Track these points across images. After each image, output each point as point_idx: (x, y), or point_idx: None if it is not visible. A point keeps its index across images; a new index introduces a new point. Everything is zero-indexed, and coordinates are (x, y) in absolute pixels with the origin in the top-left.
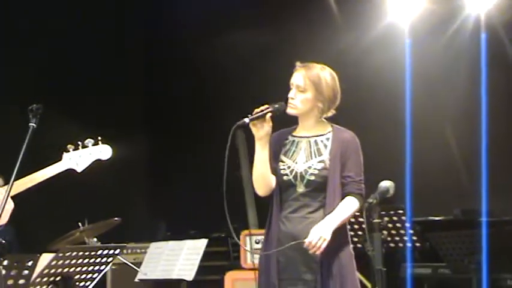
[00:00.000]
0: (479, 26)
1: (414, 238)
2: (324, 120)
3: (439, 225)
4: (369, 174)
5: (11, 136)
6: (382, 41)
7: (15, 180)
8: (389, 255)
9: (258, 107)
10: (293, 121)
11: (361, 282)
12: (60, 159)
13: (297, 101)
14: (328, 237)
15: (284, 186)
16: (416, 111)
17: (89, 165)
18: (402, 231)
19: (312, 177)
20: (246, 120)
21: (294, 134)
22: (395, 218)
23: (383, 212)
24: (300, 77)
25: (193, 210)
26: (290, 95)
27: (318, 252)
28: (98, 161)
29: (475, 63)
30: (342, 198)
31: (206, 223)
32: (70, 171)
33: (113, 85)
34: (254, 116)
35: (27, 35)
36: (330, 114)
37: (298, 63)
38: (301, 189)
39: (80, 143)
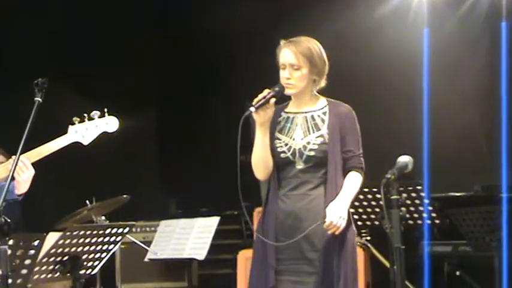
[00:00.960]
0: (499, 2)
1: (433, 215)
2: (317, 94)
3: (458, 202)
4: (387, 149)
5: (16, 111)
6: (398, 17)
7: (21, 154)
8: (408, 233)
9: (259, 93)
10: (284, 98)
11: (379, 260)
12: (66, 132)
13: (294, 80)
14: (345, 216)
15: (282, 164)
16: (435, 84)
17: (96, 138)
18: (421, 208)
19: (312, 153)
20: (252, 109)
21: (286, 110)
22: (413, 194)
23: (401, 188)
24: (290, 54)
25: (205, 187)
26: (285, 75)
27: (337, 232)
28: (105, 133)
29: (495, 36)
30: (343, 173)
31: (218, 200)
32: (76, 144)
33: (123, 59)
34: (259, 103)
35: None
36: (323, 83)
37: (282, 41)
38: (300, 165)
39: (85, 115)
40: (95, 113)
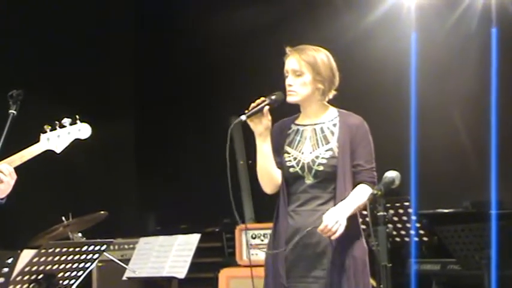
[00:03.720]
0: (489, 8)
1: (421, 232)
2: (327, 104)
3: (447, 218)
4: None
5: None
6: (386, 23)
7: None
8: (395, 251)
9: (254, 101)
10: (295, 110)
11: None
12: (38, 141)
13: (296, 87)
14: (344, 222)
15: (291, 179)
16: (423, 97)
17: (68, 145)
18: (408, 225)
19: (321, 168)
20: (243, 117)
21: (296, 122)
22: (401, 211)
23: (388, 204)
24: (294, 61)
25: (185, 203)
26: (288, 82)
27: (333, 237)
28: (77, 140)
29: (484, 46)
30: (353, 188)
31: (198, 217)
32: (49, 153)
33: (101, 71)
34: (251, 111)
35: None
36: (331, 95)
37: (288, 48)
38: (309, 180)
39: (57, 122)
40: (66, 120)
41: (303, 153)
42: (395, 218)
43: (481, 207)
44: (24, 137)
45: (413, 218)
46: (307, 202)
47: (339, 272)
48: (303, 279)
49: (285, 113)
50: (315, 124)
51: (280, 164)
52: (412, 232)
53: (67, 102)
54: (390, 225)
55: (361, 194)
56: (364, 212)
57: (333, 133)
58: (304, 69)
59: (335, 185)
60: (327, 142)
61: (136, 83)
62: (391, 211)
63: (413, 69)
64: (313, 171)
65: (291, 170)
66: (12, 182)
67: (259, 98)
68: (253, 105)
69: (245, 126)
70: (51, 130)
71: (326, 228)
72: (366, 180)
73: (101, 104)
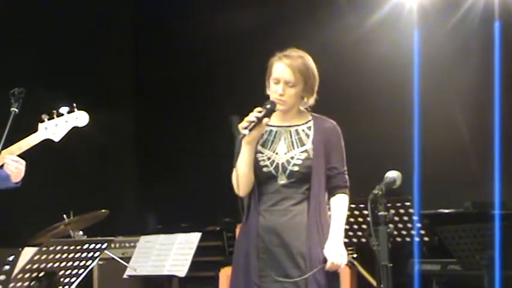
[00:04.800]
0: (491, 5)
1: (422, 232)
2: (303, 109)
3: (448, 219)
4: (375, 164)
5: None
6: (389, 22)
7: None
8: (396, 250)
9: (252, 111)
10: None
11: (366, 279)
12: (36, 131)
13: (287, 97)
14: (345, 252)
15: (264, 178)
16: (425, 97)
17: (66, 134)
18: (409, 225)
19: (296, 168)
20: (245, 132)
21: (270, 123)
22: (402, 211)
23: (389, 204)
24: (287, 70)
25: (186, 202)
26: (278, 91)
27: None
28: (75, 128)
29: (487, 46)
30: (327, 191)
31: (199, 215)
32: (50, 151)
33: (101, 70)
34: (251, 126)
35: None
36: (311, 102)
37: (278, 55)
38: (283, 180)
39: (54, 111)
40: (64, 109)
41: (277, 153)
42: (397, 218)
43: (482, 208)
44: (25, 134)
45: (415, 218)
46: (279, 202)
47: (311, 269)
48: (277, 280)
49: None
50: (290, 126)
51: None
52: (413, 232)
53: (67, 101)
54: (391, 225)
55: (343, 212)
56: (365, 212)
57: (308, 136)
58: (297, 81)
59: (309, 186)
60: (302, 144)
61: (137, 82)
62: (392, 211)
63: (416, 68)
64: (288, 171)
65: (264, 169)
66: (22, 167)
67: (255, 108)
68: (251, 118)
69: None
70: (48, 119)
71: (333, 265)
72: (340, 185)
73: (102, 102)
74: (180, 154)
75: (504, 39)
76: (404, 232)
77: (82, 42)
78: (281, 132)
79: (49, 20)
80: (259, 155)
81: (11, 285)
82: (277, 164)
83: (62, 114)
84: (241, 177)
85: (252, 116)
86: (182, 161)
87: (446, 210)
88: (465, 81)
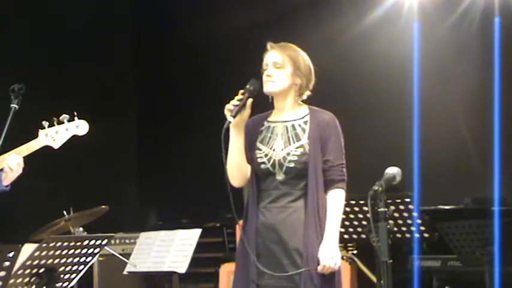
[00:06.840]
0: (492, 4)
1: (422, 228)
2: (300, 102)
3: (448, 215)
4: (376, 160)
5: None
6: (388, 21)
7: None
8: (396, 247)
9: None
10: (268, 107)
11: (366, 275)
12: (36, 137)
13: (276, 77)
14: (338, 254)
15: (262, 175)
16: (425, 94)
17: (66, 141)
18: (409, 221)
19: (292, 164)
20: (230, 119)
21: (269, 119)
22: (402, 207)
23: (389, 201)
24: (275, 54)
25: (186, 198)
26: (267, 72)
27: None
28: (75, 136)
29: (487, 43)
30: (325, 185)
31: (199, 212)
32: (47, 148)
33: (102, 69)
34: (236, 110)
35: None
36: (305, 95)
37: (269, 43)
38: (280, 177)
39: (55, 119)
40: (65, 117)
41: (274, 150)
42: (396, 214)
43: (482, 204)
44: (25, 134)
45: (415, 214)
46: (278, 199)
47: (310, 266)
48: (274, 277)
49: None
50: (287, 121)
51: (251, 160)
52: (413, 228)
53: (69, 100)
54: (391, 222)
55: (338, 207)
56: (365, 208)
57: (304, 130)
58: (285, 62)
59: (306, 182)
60: (298, 139)
61: (137, 80)
62: (392, 207)
63: (415, 64)
64: (284, 167)
65: (262, 166)
66: (20, 169)
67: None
68: (234, 102)
69: None
70: (49, 126)
71: (325, 268)
72: (335, 179)
73: (103, 100)
74: (180, 150)
75: (504, 35)
76: (404, 228)
77: (83, 47)
78: (278, 127)
79: (51, 26)
80: (257, 151)
81: (11, 281)
82: (274, 160)
83: (63, 122)
84: (232, 165)
85: (236, 100)
86: (182, 158)
87: (447, 207)
88: (465, 77)
